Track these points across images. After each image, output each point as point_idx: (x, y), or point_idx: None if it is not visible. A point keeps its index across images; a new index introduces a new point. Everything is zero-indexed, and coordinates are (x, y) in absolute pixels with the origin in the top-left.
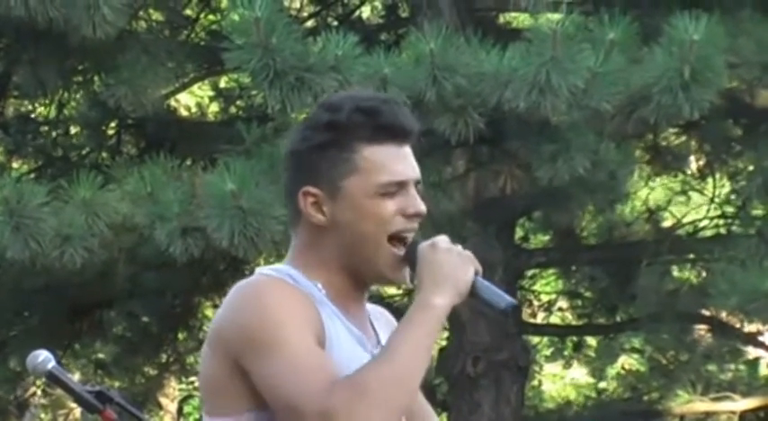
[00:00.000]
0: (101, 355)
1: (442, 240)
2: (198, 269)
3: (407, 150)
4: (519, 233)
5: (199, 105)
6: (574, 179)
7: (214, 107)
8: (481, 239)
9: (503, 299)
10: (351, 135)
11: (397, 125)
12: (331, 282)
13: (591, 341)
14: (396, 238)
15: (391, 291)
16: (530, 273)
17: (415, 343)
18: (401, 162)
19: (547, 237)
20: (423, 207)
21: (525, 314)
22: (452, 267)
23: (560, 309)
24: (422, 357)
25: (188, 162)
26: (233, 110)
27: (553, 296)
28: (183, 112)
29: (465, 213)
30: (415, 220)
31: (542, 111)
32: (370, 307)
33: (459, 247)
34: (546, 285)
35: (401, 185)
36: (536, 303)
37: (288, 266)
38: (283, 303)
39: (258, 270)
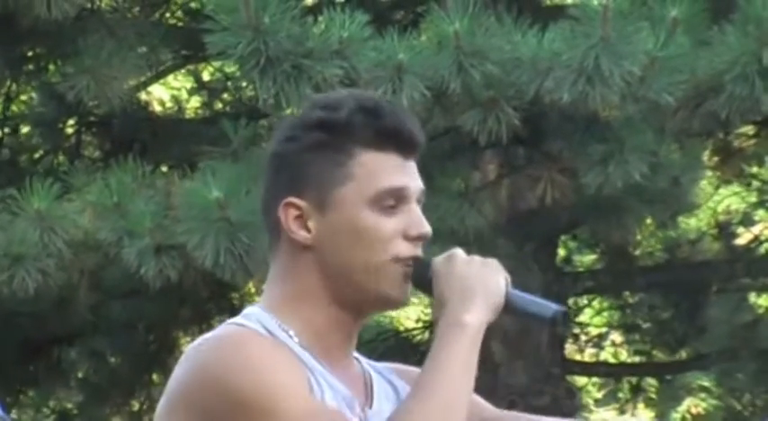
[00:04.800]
0: (60, 403)
1: (458, 252)
2: (175, 296)
3: (413, 165)
4: (561, 253)
5: (176, 99)
6: (628, 187)
7: (194, 101)
8: (516, 260)
9: (547, 307)
10: (348, 137)
11: (404, 132)
12: (311, 323)
13: (650, 382)
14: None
15: (409, 323)
16: (575, 301)
17: (453, 371)
18: (403, 173)
19: (595, 258)
20: (428, 228)
21: (570, 350)
22: (479, 279)
23: (613, 345)
24: (464, 387)
25: (163, 167)
26: (217, 104)
27: (604, 329)
28: (157, 108)
29: (496, 228)
30: (419, 245)
31: (590, 104)
32: (383, 365)
33: (479, 257)
34: (595, 316)
35: (401, 198)
36: (583, 337)
37: (259, 309)
38: (274, 361)
39: (227, 322)
